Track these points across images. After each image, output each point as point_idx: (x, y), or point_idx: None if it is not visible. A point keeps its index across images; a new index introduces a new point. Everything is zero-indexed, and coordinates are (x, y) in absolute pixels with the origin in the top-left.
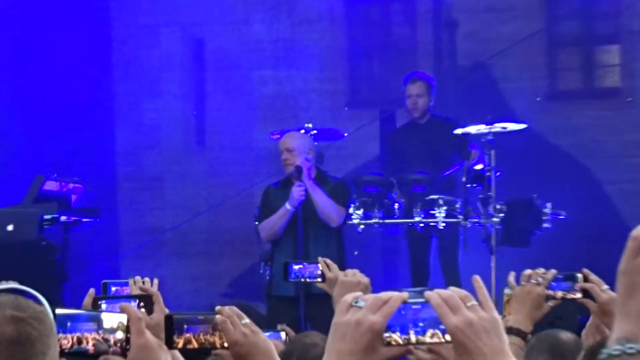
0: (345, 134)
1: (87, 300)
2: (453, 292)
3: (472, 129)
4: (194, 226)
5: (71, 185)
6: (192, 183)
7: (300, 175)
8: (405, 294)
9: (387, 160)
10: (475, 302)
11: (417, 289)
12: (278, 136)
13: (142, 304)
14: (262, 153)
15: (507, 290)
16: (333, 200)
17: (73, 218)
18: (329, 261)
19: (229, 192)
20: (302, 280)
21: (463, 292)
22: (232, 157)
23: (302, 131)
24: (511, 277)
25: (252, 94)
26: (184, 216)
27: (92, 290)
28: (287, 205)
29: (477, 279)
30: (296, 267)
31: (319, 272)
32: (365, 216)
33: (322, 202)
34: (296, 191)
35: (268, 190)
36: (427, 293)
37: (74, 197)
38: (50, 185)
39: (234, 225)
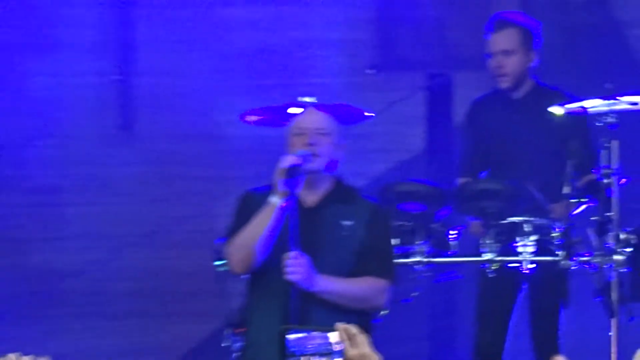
0: (371, 114)
1: None
2: None
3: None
4: (114, 269)
5: None
6: (110, 195)
7: (296, 180)
8: None
9: (440, 159)
10: None
11: None
12: (255, 118)
13: None
14: (230, 146)
15: None
16: (370, 255)
17: None
18: (351, 328)
19: (174, 213)
20: None
21: None
22: (179, 152)
23: (299, 110)
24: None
25: (218, 45)
26: (97, 252)
27: None
28: (273, 198)
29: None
30: (293, 336)
31: (334, 346)
32: (402, 250)
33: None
34: (288, 160)
35: (247, 197)
36: None
37: None
38: None
39: (181, 265)
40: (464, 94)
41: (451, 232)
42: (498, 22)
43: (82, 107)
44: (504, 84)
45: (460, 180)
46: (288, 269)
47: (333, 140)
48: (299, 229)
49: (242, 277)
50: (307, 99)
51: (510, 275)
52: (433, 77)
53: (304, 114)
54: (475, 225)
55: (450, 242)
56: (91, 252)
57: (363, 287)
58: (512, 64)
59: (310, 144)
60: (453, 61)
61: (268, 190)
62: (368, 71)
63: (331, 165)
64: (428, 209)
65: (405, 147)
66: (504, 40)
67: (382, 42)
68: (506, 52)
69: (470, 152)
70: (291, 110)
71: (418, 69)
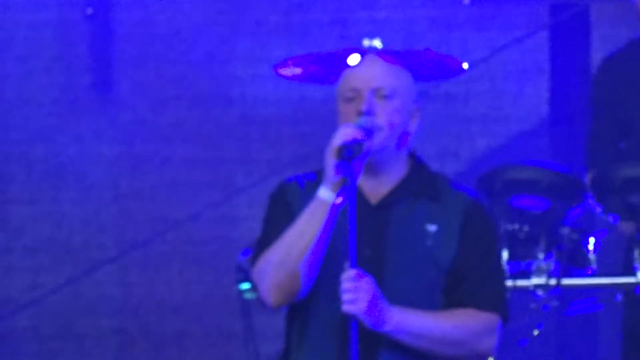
0: (465, 66)
1: None
2: None
3: None
4: (83, 298)
5: None
6: (75, 189)
7: (354, 165)
8: None
9: (571, 132)
10: None
11: None
12: (297, 71)
13: None
14: (250, 114)
15: None
16: (467, 277)
17: None
18: None
19: (171, 213)
20: None
21: None
22: (174, 123)
23: (358, 59)
24: None
25: None
26: (57, 273)
27: None
28: (323, 192)
29: None
30: None
31: None
32: (517, 268)
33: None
34: (343, 135)
35: (284, 191)
36: None
37: None
38: None
39: (184, 292)
40: (606, 35)
41: (589, 240)
42: None
43: (39, 56)
44: None
45: (591, 171)
46: (345, 297)
47: (403, 103)
48: (361, 236)
49: (278, 309)
50: (372, 42)
51: None
52: (559, 10)
53: (359, 67)
54: (623, 229)
55: (588, 256)
56: (48, 273)
57: (458, 325)
58: None
59: (366, 112)
60: None
61: (314, 179)
62: (465, 1)
63: (402, 142)
64: (554, 206)
65: (519, 114)
66: None
67: None
68: None
69: (603, 127)
70: (352, 59)
71: None
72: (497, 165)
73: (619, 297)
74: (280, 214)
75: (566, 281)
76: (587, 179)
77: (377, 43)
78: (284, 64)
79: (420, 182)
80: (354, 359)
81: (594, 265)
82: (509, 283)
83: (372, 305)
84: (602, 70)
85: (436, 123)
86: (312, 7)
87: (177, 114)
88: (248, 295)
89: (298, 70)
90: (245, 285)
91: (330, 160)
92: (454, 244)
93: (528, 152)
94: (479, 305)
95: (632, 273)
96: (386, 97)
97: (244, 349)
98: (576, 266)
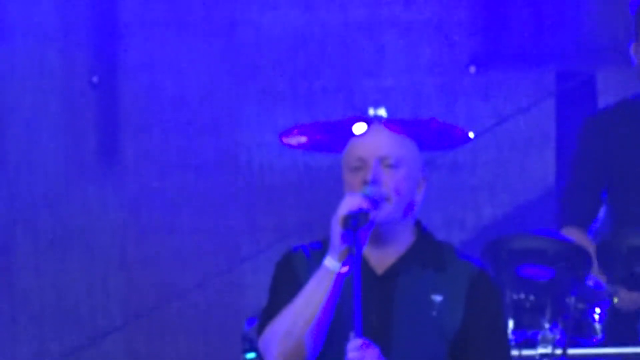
0: (471, 135)
1: None
2: None
3: None
4: None
5: None
6: (79, 253)
7: (359, 234)
8: None
9: (568, 187)
10: None
11: None
12: (302, 140)
13: None
14: (257, 180)
15: None
16: (473, 347)
17: None
18: None
19: (177, 281)
20: None
21: None
22: (181, 188)
23: (363, 127)
24: None
25: (236, 28)
26: (62, 341)
27: None
28: (329, 261)
29: None
30: None
31: None
32: (522, 338)
33: None
34: (349, 204)
35: (291, 260)
36: None
37: None
38: None
39: None
40: (611, 102)
41: (596, 309)
42: None
43: (45, 123)
44: None
45: (565, 231)
46: None
47: (409, 173)
48: (367, 306)
49: None
50: (377, 111)
51: None
52: (565, 78)
53: (364, 136)
54: (628, 299)
55: (595, 325)
56: (54, 342)
57: None
58: None
59: (372, 181)
60: (591, 55)
61: (319, 248)
62: (470, 69)
63: (408, 212)
64: (560, 275)
65: (525, 184)
66: None
67: (489, 25)
68: None
69: (582, 183)
70: (358, 128)
71: (542, 66)
72: (503, 234)
73: None
74: (287, 283)
75: (572, 351)
76: (598, 247)
77: (383, 112)
78: (289, 132)
79: (426, 251)
80: None
81: (599, 335)
82: (515, 352)
83: None
84: (585, 126)
85: (442, 192)
86: (317, 75)
87: (182, 181)
88: None
89: (303, 139)
90: (251, 355)
91: (337, 230)
92: (460, 314)
93: (534, 222)
94: None
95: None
96: (392, 167)
97: None
98: (582, 336)
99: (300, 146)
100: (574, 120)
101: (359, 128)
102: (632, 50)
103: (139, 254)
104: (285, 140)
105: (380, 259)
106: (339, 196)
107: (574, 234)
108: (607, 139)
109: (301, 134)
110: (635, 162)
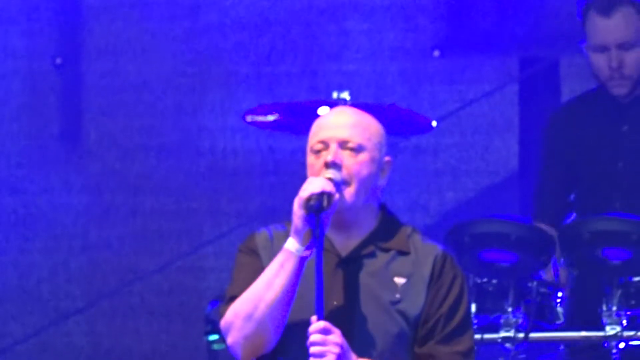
0: (434, 124)
1: None
2: None
3: None
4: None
5: None
6: (43, 238)
7: (322, 217)
8: None
9: (539, 186)
10: None
11: None
12: (265, 119)
13: None
14: (220, 163)
15: None
16: (435, 330)
17: None
18: None
19: (140, 263)
20: None
21: None
22: (144, 173)
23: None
24: None
25: (200, 12)
26: (25, 325)
27: None
28: (291, 244)
29: None
30: None
31: None
32: (485, 322)
33: None
34: (311, 187)
35: (253, 243)
36: None
37: None
38: None
39: (153, 342)
40: (576, 89)
41: (557, 294)
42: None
43: (8, 105)
44: (622, 89)
45: (537, 222)
46: (312, 350)
47: (371, 157)
48: (329, 288)
49: None
50: (341, 95)
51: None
52: (529, 64)
53: (327, 119)
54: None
55: (556, 310)
56: (15, 323)
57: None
58: (634, 62)
59: (334, 163)
60: (555, 41)
61: (283, 230)
62: (435, 53)
63: (370, 195)
64: (523, 259)
65: (488, 168)
66: (619, 26)
67: (452, 10)
68: (623, 46)
69: (552, 179)
70: (322, 111)
71: (505, 51)
72: (466, 218)
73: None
74: (249, 265)
75: (534, 335)
76: (560, 231)
77: (346, 96)
78: (253, 111)
79: (390, 234)
80: None
81: (561, 319)
82: (477, 336)
83: (340, 359)
84: (551, 123)
85: (405, 176)
86: (281, 59)
87: (145, 165)
88: (216, 347)
89: (267, 118)
90: (213, 337)
91: (298, 212)
92: (422, 297)
93: (497, 206)
94: (447, 358)
95: (600, 328)
96: (354, 150)
97: None
98: (544, 320)
99: (263, 126)
100: (537, 105)
101: (324, 111)
102: (584, 48)
103: (101, 236)
104: (249, 119)
105: (344, 242)
106: (302, 181)
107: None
108: (572, 135)
109: (265, 113)
110: (600, 156)
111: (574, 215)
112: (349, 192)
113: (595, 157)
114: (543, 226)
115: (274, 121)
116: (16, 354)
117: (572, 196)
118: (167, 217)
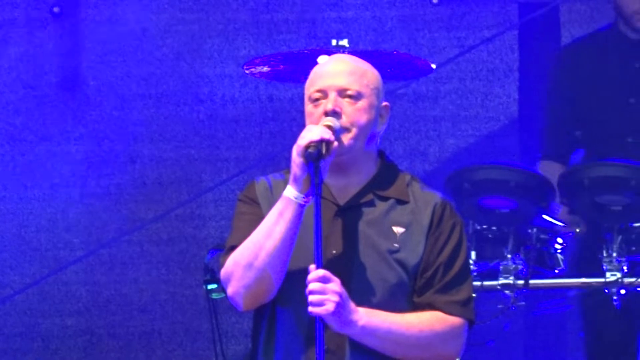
0: (433, 66)
1: None
2: None
3: None
4: (49, 296)
5: None
6: (38, 188)
7: (320, 165)
8: None
9: (546, 124)
10: None
11: None
12: (265, 70)
13: None
14: (219, 112)
15: None
16: (435, 279)
17: None
18: None
19: (139, 212)
20: None
21: None
22: (143, 122)
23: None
24: None
25: None
26: (28, 271)
27: None
28: (290, 192)
29: None
30: None
31: None
32: (484, 269)
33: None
34: (310, 135)
35: (253, 191)
36: None
37: None
38: None
39: (153, 291)
40: (576, 34)
41: (557, 240)
42: None
43: (6, 55)
44: None
45: (543, 163)
46: (311, 299)
47: (370, 103)
48: (328, 236)
49: (247, 310)
50: (340, 42)
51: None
52: (528, 9)
53: (325, 67)
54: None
55: (556, 256)
56: (14, 272)
57: (424, 329)
58: None
59: (334, 112)
60: None
61: (282, 179)
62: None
63: (369, 142)
64: (522, 206)
65: (488, 114)
66: None
67: None
68: None
69: (559, 116)
70: (321, 59)
71: None
72: (466, 165)
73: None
74: (249, 214)
75: (534, 282)
76: (540, 167)
77: (345, 43)
78: (252, 62)
79: (389, 182)
80: None
81: (561, 266)
82: (477, 283)
83: (339, 307)
84: (557, 61)
85: (404, 122)
86: (280, 6)
87: (144, 113)
88: (215, 295)
89: (266, 69)
90: (212, 286)
91: (297, 160)
92: (421, 247)
93: (497, 152)
94: (446, 309)
95: (601, 274)
96: (352, 97)
97: (211, 349)
98: (544, 266)
99: (263, 76)
100: (537, 51)
101: (323, 59)
102: None
103: (100, 185)
104: (249, 70)
105: (343, 189)
106: (301, 128)
107: (551, 166)
108: (581, 73)
109: (264, 64)
110: (611, 92)
111: (582, 152)
112: (348, 138)
113: (606, 93)
114: (552, 164)
115: (274, 70)
116: (15, 304)
117: (579, 132)
118: (166, 165)
